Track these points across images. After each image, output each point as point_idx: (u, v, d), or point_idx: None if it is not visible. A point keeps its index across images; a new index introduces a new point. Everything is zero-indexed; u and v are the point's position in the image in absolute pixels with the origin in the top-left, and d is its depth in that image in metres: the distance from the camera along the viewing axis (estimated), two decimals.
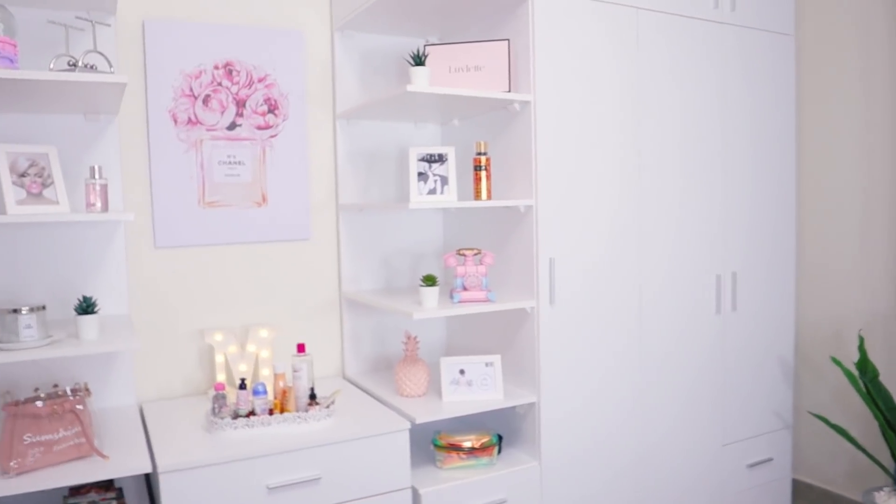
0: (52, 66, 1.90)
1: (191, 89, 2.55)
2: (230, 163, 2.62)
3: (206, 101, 2.58)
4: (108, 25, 2.26)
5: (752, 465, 3.00)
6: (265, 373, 2.59)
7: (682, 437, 2.79)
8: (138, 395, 2.54)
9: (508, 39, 2.40)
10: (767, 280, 2.99)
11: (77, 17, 2.16)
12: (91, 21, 1.96)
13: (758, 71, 2.89)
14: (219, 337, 2.55)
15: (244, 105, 2.63)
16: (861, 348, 2.83)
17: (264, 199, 2.69)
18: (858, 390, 2.79)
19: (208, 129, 2.59)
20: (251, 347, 2.58)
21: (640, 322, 2.65)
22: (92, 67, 1.90)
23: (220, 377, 2.55)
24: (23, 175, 1.90)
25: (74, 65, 1.86)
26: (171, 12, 2.52)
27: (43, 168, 1.94)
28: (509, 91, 2.42)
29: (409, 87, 2.21)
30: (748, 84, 2.87)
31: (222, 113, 2.60)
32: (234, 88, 2.62)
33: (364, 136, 2.83)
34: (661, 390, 2.72)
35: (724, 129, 2.81)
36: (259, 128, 2.66)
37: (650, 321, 2.68)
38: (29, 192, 1.90)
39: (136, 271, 2.52)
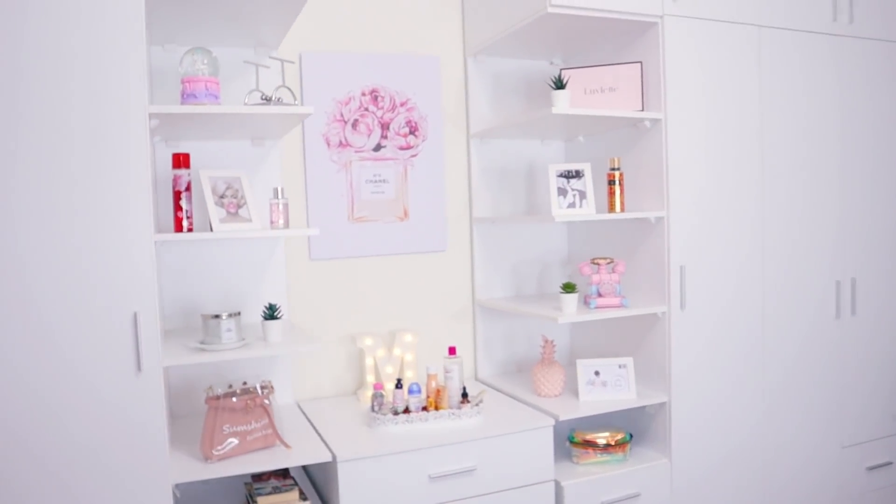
0: (246, 100, 2.15)
1: (341, 115, 2.80)
2: (376, 181, 2.86)
3: (354, 125, 2.82)
4: (293, 62, 2.52)
5: (871, 468, 3.06)
6: (409, 374, 2.80)
7: (804, 439, 2.89)
8: (295, 394, 2.79)
9: (641, 62, 2.56)
10: (887, 285, 3.06)
11: (247, 62, 2.42)
12: (280, 60, 2.20)
13: (877, 80, 2.97)
14: (368, 341, 2.78)
15: (388, 128, 2.87)
16: None
17: (406, 214, 2.91)
18: None
19: (357, 151, 2.83)
20: (397, 351, 2.81)
21: (764, 327, 2.77)
22: (279, 100, 2.15)
23: (370, 378, 2.78)
24: (222, 196, 2.17)
25: (268, 99, 2.11)
26: (323, 45, 2.77)
27: (237, 190, 2.20)
28: (642, 110, 2.58)
29: (554, 110, 2.40)
30: (868, 93, 2.95)
31: (369, 135, 2.84)
32: (380, 113, 2.85)
33: (495, 154, 3.03)
34: (784, 393, 2.83)
35: (843, 138, 2.91)
36: (401, 148, 2.89)
37: (773, 326, 2.79)
38: (228, 212, 2.16)
39: (294, 281, 2.77)
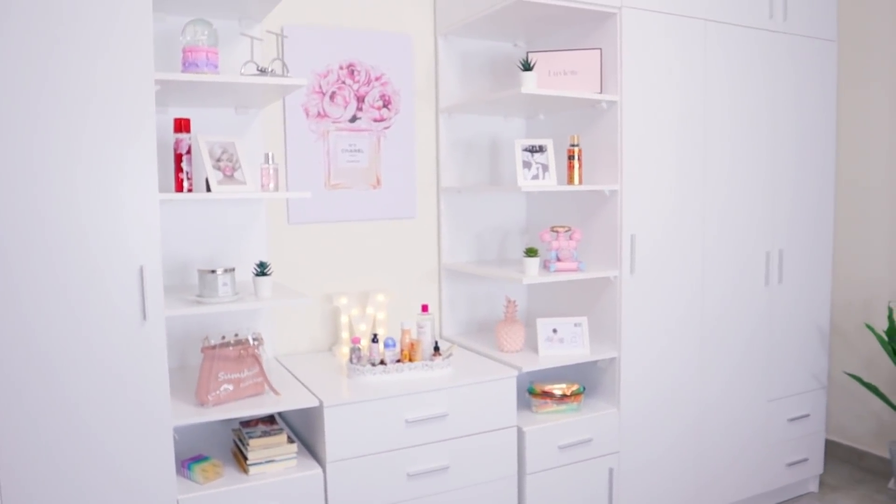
0: (242, 71, 2.31)
1: (320, 87, 2.96)
2: (351, 150, 3.04)
3: (332, 97, 2.99)
4: (287, 37, 2.68)
5: (792, 420, 3.42)
6: (381, 331, 3.01)
7: (735, 392, 3.22)
8: (274, 349, 2.97)
9: (600, 49, 2.81)
10: (809, 256, 3.41)
11: (243, 34, 2.57)
12: (277, 34, 2.36)
13: (805, 72, 3.30)
14: (344, 300, 2.97)
15: (363, 100, 3.05)
16: (890, 318, 3.27)
17: (378, 182, 3.11)
18: (889, 353, 3.21)
19: (334, 122, 3.00)
20: (370, 309, 3.01)
21: (703, 291, 3.08)
22: (272, 72, 2.31)
23: (345, 335, 2.98)
24: (218, 160, 2.32)
25: (263, 70, 2.27)
26: (304, 19, 2.93)
27: (232, 154, 2.36)
28: (601, 92, 2.83)
29: (523, 89, 2.63)
30: (796, 83, 3.28)
31: (345, 107, 3.02)
32: (356, 86, 3.03)
33: (462, 128, 3.25)
34: (719, 351, 3.15)
35: (774, 123, 3.22)
36: (375, 120, 3.08)
37: (711, 291, 3.10)
38: (224, 174, 2.32)
39: (274, 244, 2.94)
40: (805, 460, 3.47)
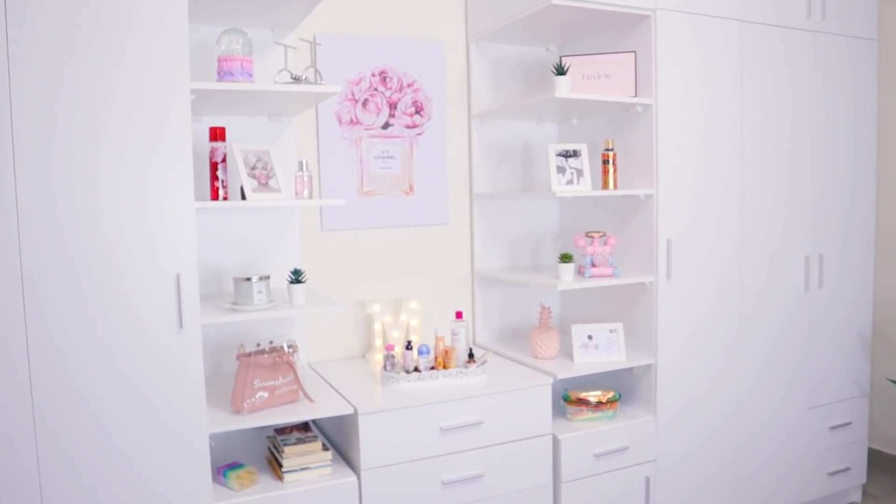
0: (276, 79, 2.32)
1: (352, 94, 2.97)
2: (384, 157, 3.04)
3: (364, 104, 2.99)
4: (321, 45, 2.70)
5: (833, 428, 3.35)
6: (414, 338, 3.00)
7: (775, 400, 3.16)
8: (307, 357, 2.97)
9: (634, 51, 2.78)
10: (850, 261, 3.33)
11: (277, 42, 2.59)
12: (311, 43, 2.37)
13: (845, 72, 3.23)
14: (377, 307, 2.97)
15: (396, 107, 3.05)
16: None
17: (411, 189, 3.10)
18: None
19: (366, 129, 3.01)
20: (403, 316, 3.00)
21: (741, 296, 3.02)
22: (306, 79, 2.32)
23: (378, 342, 2.98)
24: (253, 168, 2.33)
25: (297, 78, 2.28)
26: (336, 28, 2.94)
27: (266, 162, 2.37)
28: (635, 95, 2.80)
29: (557, 94, 2.60)
30: (836, 84, 3.21)
31: (378, 114, 3.02)
32: (388, 93, 3.03)
33: (494, 134, 3.24)
34: (758, 357, 3.09)
35: (814, 126, 3.16)
36: (407, 127, 3.07)
37: (749, 296, 3.05)
38: (259, 182, 2.33)
39: (308, 251, 2.95)
40: (847, 469, 3.39)
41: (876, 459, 3.79)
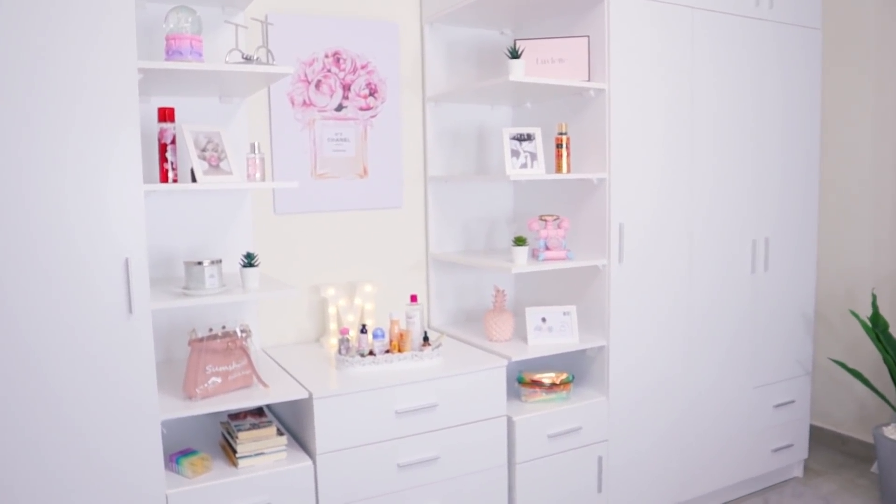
0: (227, 59, 2.27)
1: (305, 75, 2.93)
2: (337, 140, 3.01)
3: (317, 85, 2.95)
4: (273, 24, 2.66)
5: (777, 406, 3.45)
6: (369, 322, 2.99)
7: (721, 379, 3.24)
8: (260, 341, 2.94)
9: (588, 36, 2.79)
10: (794, 244, 3.43)
11: (227, 21, 2.53)
12: (262, 22, 2.32)
13: (790, 60, 3.30)
14: (331, 291, 2.95)
15: (349, 89, 3.02)
16: (874, 304, 3.30)
17: (365, 172, 3.08)
18: (873, 339, 3.24)
19: (319, 111, 2.97)
20: (357, 300, 2.99)
21: (690, 279, 3.08)
22: (258, 60, 2.28)
23: (332, 326, 2.96)
24: (203, 150, 2.29)
25: (248, 58, 2.24)
26: (288, 7, 2.89)
27: (217, 144, 2.32)
28: (588, 80, 2.81)
29: (511, 77, 2.61)
30: (782, 73, 3.28)
31: (331, 96, 2.98)
32: (342, 74, 3.00)
33: (448, 117, 3.23)
34: (706, 338, 3.17)
35: (761, 112, 3.23)
36: (361, 109, 3.05)
37: (698, 279, 3.11)
38: (210, 164, 2.28)
39: (260, 234, 2.91)
40: (790, 446, 3.50)
41: (817, 435, 3.93)
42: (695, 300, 3.11)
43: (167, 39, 2.20)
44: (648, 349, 3.00)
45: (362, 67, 3.04)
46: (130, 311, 2.06)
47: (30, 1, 1.86)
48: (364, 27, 3.02)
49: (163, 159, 2.28)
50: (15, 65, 1.86)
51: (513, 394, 2.90)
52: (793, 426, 3.52)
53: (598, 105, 2.83)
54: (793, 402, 3.50)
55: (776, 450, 3.44)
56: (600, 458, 2.89)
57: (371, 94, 3.06)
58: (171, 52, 2.19)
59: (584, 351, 2.99)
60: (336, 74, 2.99)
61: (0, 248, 1.88)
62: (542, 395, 2.84)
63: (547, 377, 2.85)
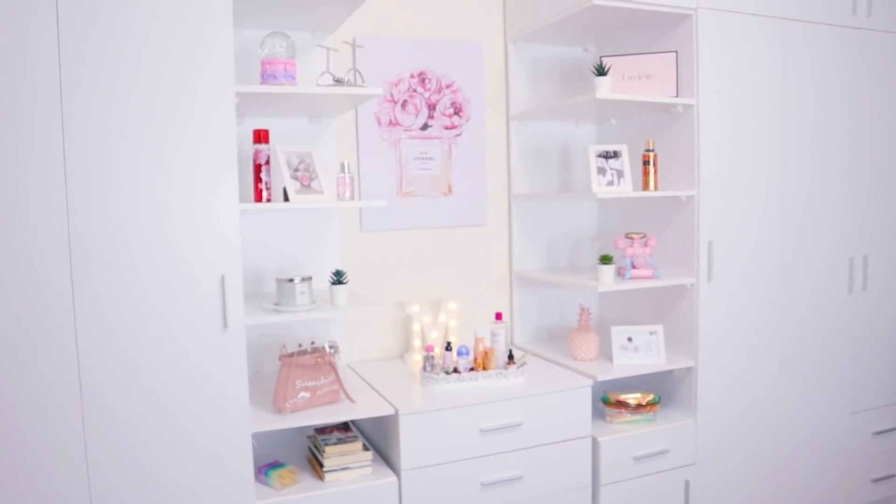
0: (319, 81, 2.34)
1: (391, 95, 2.98)
2: (422, 158, 3.05)
3: (403, 105, 3.00)
4: (362, 47, 2.73)
5: (877, 433, 3.29)
6: (453, 339, 3.01)
7: (816, 404, 3.11)
8: (346, 357, 2.99)
9: (676, 51, 2.75)
10: (894, 263, 3.27)
11: (320, 45, 2.61)
12: (351, 45, 2.38)
13: (890, 71, 3.17)
14: (416, 308, 2.98)
15: (434, 108, 3.05)
16: None
17: (450, 190, 3.11)
18: None
19: (405, 130, 3.02)
20: (441, 317, 3.01)
21: (782, 299, 2.98)
22: (348, 81, 2.34)
23: (417, 343, 2.99)
24: (296, 170, 2.35)
25: (339, 80, 2.30)
26: (375, 29, 2.95)
27: (309, 164, 2.39)
28: (676, 95, 2.77)
29: (598, 94, 2.59)
30: (881, 83, 3.15)
31: (417, 115, 3.03)
32: (427, 94, 3.04)
33: (532, 134, 3.23)
34: (799, 361, 3.05)
35: (858, 125, 3.11)
36: (446, 128, 3.08)
37: (790, 299, 3.00)
38: (301, 184, 2.35)
39: (347, 252, 2.97)
40: (892, 476, 3.32)
41: None
42: (787, 320, 3.01)
43: (263, 64, 2.28)
44: (739, 371, 2.91)
45: (447, 87, 3.07)
46: (225, 325, 2.13)
47: (138, 30, 1.96)
48: (449, 47, 3.06)
49: (257, 179, 2.35)
50: (123, 90, 1.96)
51: (598, 414, 2.86)
52: (895, 455, 3.34)
53: (687, 121, 2.78)
54: (894, 429, 3.33)
55: (876, 480, 3.28)
56: (687, 483, 2.81)
57: (456, 113, 3.09)
58: (266, 76, 2.27)
59: (670, 372, 2.92)
60: (421, 94, 3.03)
61: (105, 265, 1.98)
62: (627, 416, 2.79)
63: (632, 398, 2.80)
